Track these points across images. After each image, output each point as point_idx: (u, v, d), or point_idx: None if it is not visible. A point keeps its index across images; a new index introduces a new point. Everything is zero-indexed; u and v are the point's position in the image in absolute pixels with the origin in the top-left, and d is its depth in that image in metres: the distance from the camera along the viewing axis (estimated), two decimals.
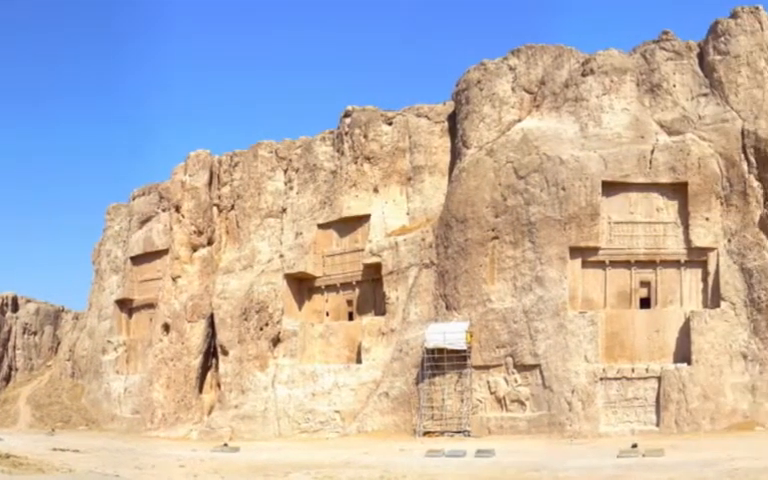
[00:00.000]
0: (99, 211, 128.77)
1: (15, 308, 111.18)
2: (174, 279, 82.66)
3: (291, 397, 73.31)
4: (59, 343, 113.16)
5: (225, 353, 78.45)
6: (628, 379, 64.21)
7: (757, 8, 70.70)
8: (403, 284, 71.21)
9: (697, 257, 67.06)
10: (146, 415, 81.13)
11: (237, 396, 76.11)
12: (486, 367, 66.42)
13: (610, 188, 67.75)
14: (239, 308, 78.39)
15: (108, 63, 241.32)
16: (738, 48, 69.40)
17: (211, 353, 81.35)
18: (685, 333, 65.06)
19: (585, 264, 67.41)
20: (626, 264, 67.65)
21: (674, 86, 70.55)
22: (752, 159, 67.04)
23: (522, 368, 65.59)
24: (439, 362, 66.61)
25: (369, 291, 75.39)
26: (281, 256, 79.00)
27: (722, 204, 67.11)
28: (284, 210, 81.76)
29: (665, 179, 67.62)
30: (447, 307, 68.64)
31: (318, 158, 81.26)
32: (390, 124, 77.93)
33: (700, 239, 66.50)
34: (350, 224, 77.50)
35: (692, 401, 62.40)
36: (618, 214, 67.86)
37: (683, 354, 64.83)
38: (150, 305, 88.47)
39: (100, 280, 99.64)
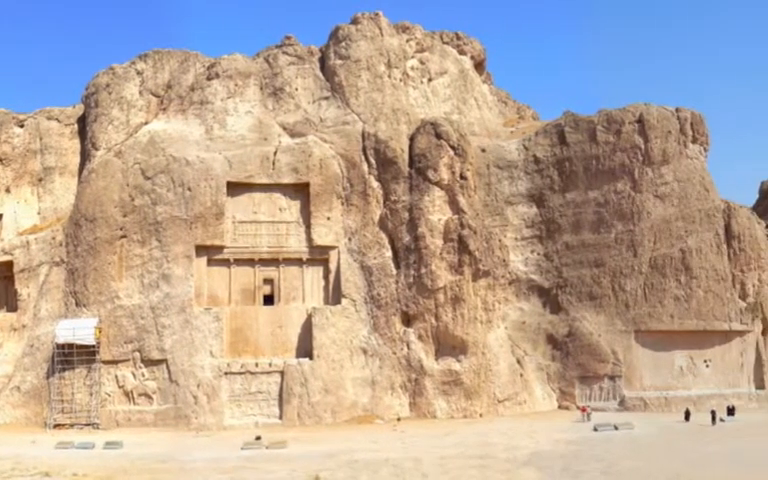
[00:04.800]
0: None
1: None
2: None
3: None
4: None
5: None
6: (252, 373, 67.11)
7: (377, 14, 74.21)
8: (34, 281, 71.13)
9: (319, 255, 70.67)
10: None
11: None
12: (114, 362, 67.67)
13: (235, 188, 70.18)
14: None
15: None
16: (359, 53, 72.67)
17: None
18: (307, 329, 68.64)
19: (210, 262, 69.64)
20: (250, 262, 70.40)
21: (296, 90, 73.38)
22: (372, 160, 70.65)
23: (149, 363, 67.37)
24: (69, 357, 67.26)
25: (1, 288, 74.41)
26: None
27: (343, 204, 70.59)
28: None
29: (288, 180, 70.61)
30: (77, 304, 69.20)
31: None
32: (21, 126, 76.88)
33: (321, 238, 70.07)
34: None
35: (314, 395, 66.20)
36: (242, 214, 70.45)
37: (306, 349, 68.39)
38: None
39: None
